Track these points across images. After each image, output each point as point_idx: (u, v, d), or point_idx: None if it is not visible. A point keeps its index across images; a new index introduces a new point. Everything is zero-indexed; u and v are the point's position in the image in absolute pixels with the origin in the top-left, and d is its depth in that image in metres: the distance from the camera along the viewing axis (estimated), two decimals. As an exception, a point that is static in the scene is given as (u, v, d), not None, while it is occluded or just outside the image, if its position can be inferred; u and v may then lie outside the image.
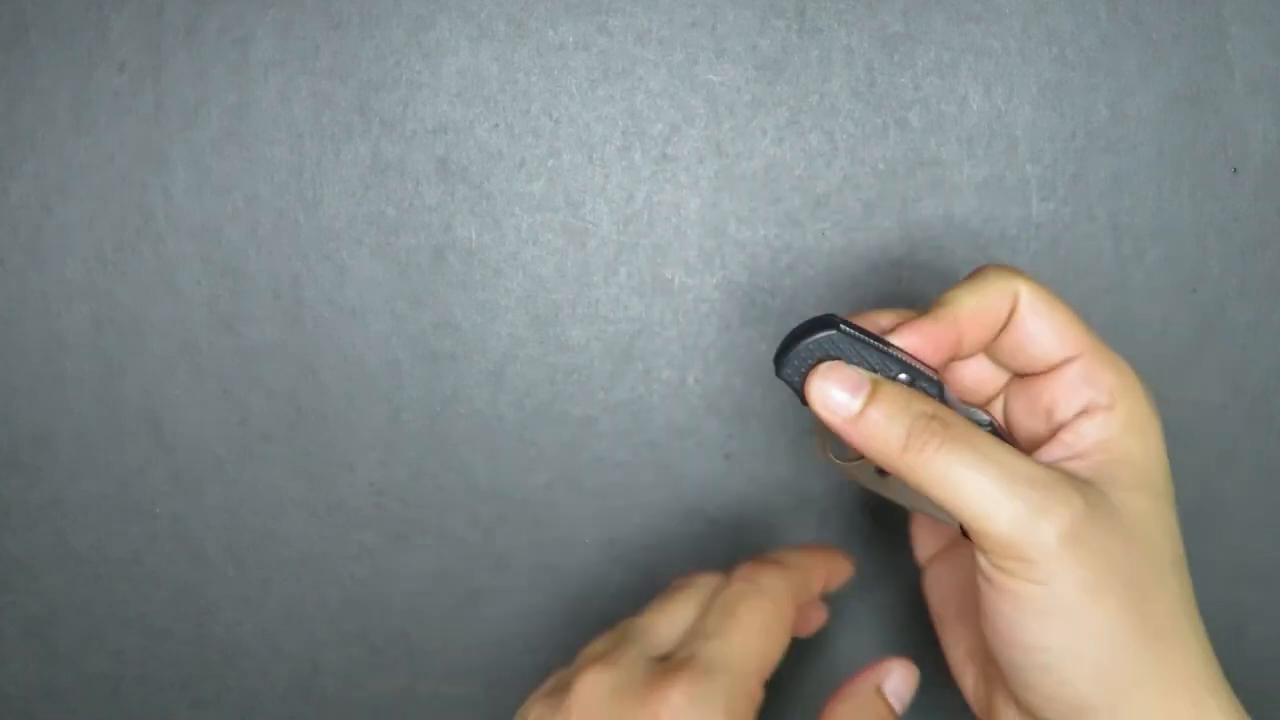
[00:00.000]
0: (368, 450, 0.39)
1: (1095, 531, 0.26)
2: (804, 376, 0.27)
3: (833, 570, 0.34)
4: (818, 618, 0.35)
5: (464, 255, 0.38)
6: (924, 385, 0.28)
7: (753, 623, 0.29)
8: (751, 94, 0.38)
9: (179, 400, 0.39)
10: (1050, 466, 0.27)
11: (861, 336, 0.27)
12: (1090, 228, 0.38)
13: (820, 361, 0.27)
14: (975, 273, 0.29)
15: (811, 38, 0.37)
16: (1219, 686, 0.27)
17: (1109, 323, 0.38)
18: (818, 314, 0.28)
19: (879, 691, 0.30)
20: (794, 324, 0.28)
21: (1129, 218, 0.38)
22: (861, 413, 0.27)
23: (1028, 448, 0.30)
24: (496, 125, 0.38)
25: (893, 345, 0.28)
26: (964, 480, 0.25)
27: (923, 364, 0.28)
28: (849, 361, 0.27)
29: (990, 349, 0.30)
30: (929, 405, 0.27)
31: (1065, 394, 0.29)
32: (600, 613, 0.39)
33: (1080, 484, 0.26)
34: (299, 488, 0.39)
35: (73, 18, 0.38)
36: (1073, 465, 0.28)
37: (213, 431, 0.39)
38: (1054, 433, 0.29)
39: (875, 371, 0.27)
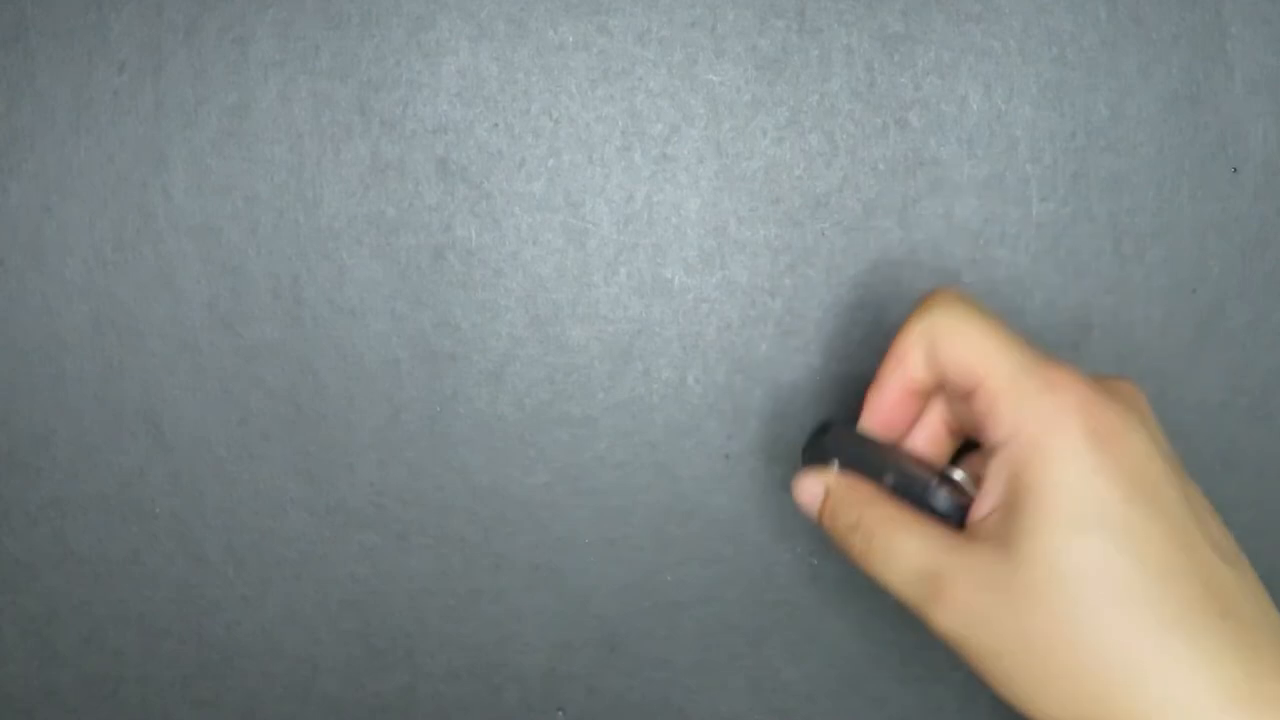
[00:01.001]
0: (368, 450, 0.39)
1: (987, 616, 0.26)
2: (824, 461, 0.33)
3: None
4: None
5: (464, 255, 0.38)
6: (907, 478, 0.31)
7: None
8: (751, 94, 0.38)
9: (179, 400, 0.39)
10: (955, 547, 0.28)
11: (856, 437, 0.32)
12: (1090, 228, 0.38)
13: (829, 455, 0.32)
14: (910, 317, 0.30)
15: (811, 38, 0.37)
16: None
17: (1109, 323, 0.38)
18: (825, 419, 0.34)
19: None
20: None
21: (1129, 218, 0.38)
22: (819, 520, 0.32)
23: None
24: (496, 125, 0.38)
25: (881, 445, 0.32)
26: (881, 577, 0.30)
27: (910, 460, 0.31)
28: (847, 458, 0.32)
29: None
30: (853, 515, 0.30)
31: (978, 422, 0.28)
32: (600, 613, 0.39)
33: (975, 569, 0.27)
34: (299, 488, 0.39)
35: (72, 18, 0.38)
36: (987, 517, 0.28)
37: (213, 431, 0.39)
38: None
39: (872, 467, 0.31)
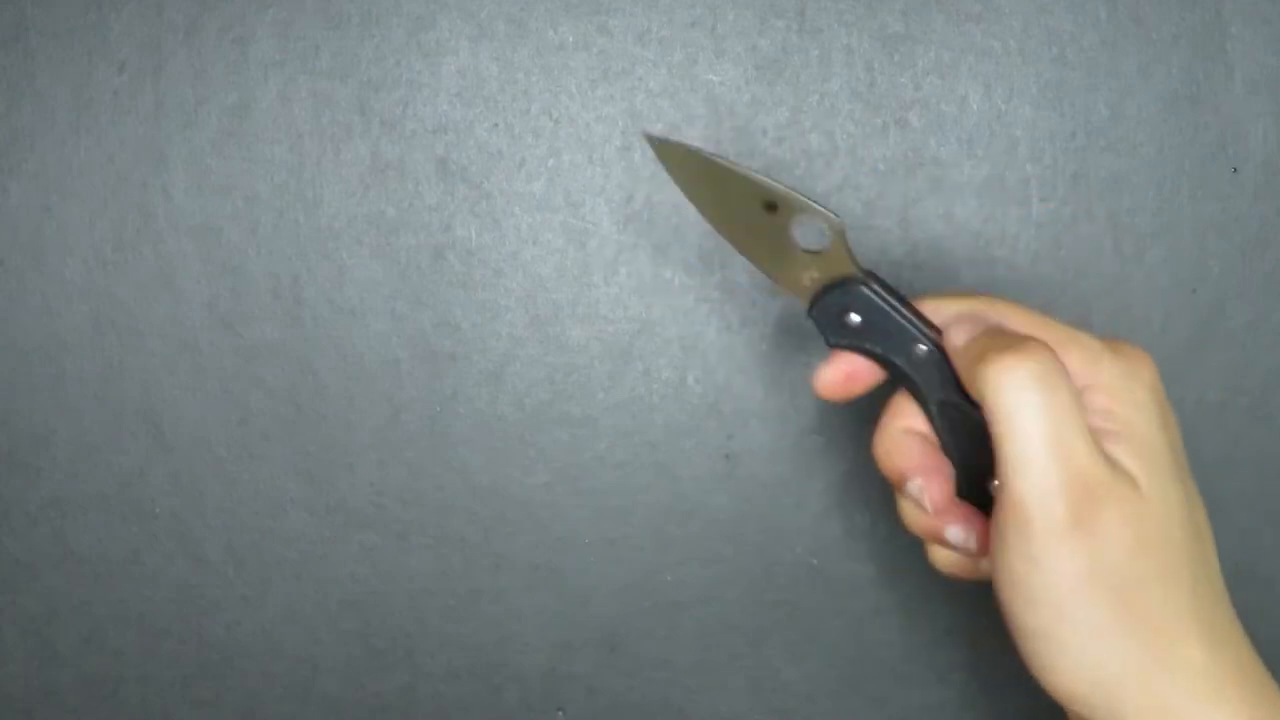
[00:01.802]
0: (368, 450, 0.39)
1: (1108, 524, 0.25)
2: (835, 323, 0.30)
3: None
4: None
5: (464, 255, 0.38)
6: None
7: None
8: (751, 94, 0.38)
9: (179, 400, 0.39)
10: (1104, 455, 0.26)
11: (884, 300, 0.29)
12: (1090, 228, 0.38)
13: (846, 312, 0.29)
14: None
15: (811, 38, 0.37)
16: (1231, 693, 0.26)
17: (1109, 323, 0.38)
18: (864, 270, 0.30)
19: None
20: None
21: (1129, 218, 0.38)
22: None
23: None
24: (496, 125, 0.38)
25: (914, 314, 0.29)
26: (1028, 420, 0.26)
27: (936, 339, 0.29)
28: (868, 316, 0.29)
29: None
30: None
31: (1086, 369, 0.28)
32: (600, 613, 0.39)
33: (1119, 476, 0.26)
34: (299, 488, 0.39)
35: (73, 18, 0.38)
36: (1114, 448, 0.27)
37: (213, 431, 0.39)
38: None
39: (892, 336, 0.29)
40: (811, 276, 0.30)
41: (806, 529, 0.39)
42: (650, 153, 0.38)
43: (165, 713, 0.40)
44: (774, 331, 0.38)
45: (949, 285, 0.38)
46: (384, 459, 0.39)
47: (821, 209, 0.29)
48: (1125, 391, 0.27)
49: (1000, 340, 0.27)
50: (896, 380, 0.30)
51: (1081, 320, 0.38)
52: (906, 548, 0.36)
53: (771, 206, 0.29)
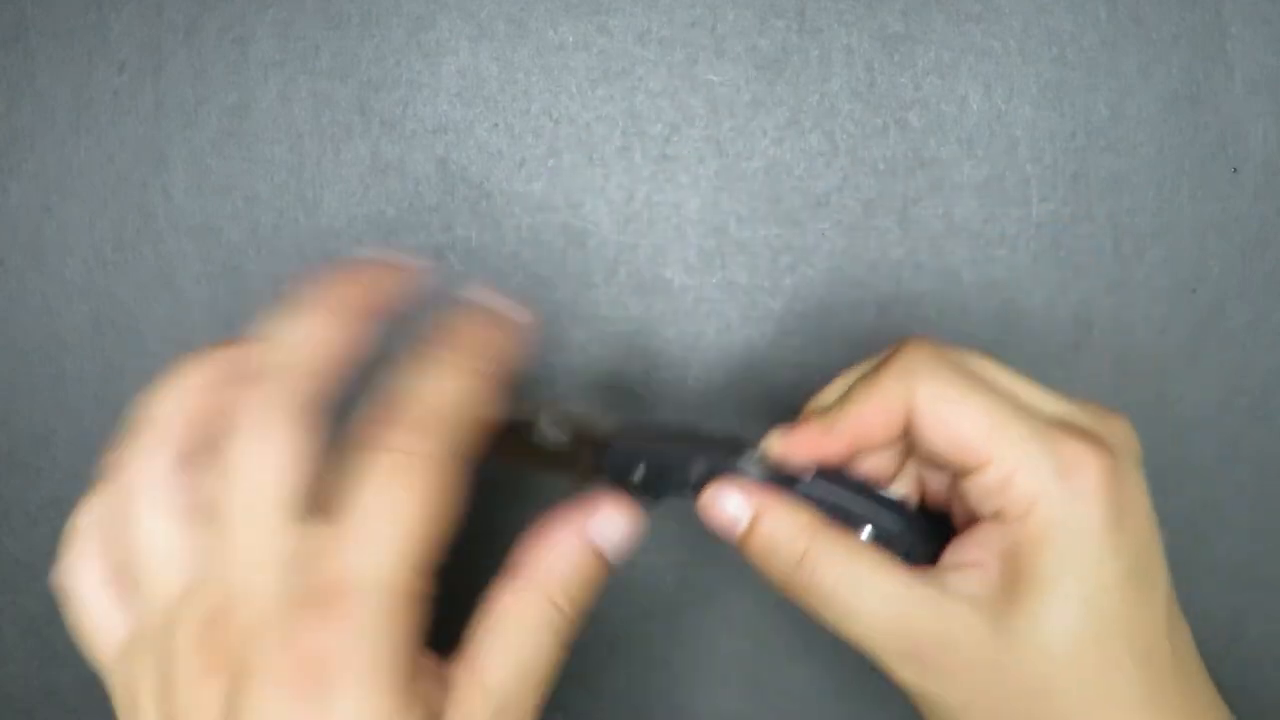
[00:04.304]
0: (368, 450, 0.39)
1: (962, 679, 0.25)
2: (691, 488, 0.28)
3: (504, 337, 0.26)
4: (608, 525, 0.27)
5: (464, 255, 0.38)
6: (849, 496, 0.27)
7: (400, 509, 0.23)
8: (751, 94, 0.38)
9: (179, 400, 0.39)
10: (932, 601, 0.25)
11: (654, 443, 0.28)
12: (1090, 228, 0.38)
13: (632, 469, 0.27)
14: (879, 366, 0.27)
15: (811, 38, 0.37)
16: None
17: (1109, 323, 0.38)
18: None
19: (587, 538, 0.26)
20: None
21: (1129, 218, 0.38)
22: (743, 544, 0.27)
23: (941, 505, 0.28)
24: (496, 125, 0.38)
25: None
26: (840, 624, 0.26)
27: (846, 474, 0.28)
28: (766, 467, 0.27)
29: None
30: (798, 546, 0.26)
31: (976, 496, 0.26)
32: (600, 613, 0.39)
33: (958, 633, 0.25)
34: (299, 488, 0.39)
35: (73, 18, 0.38)
36: (968, 578, 0.25)
37: (213, 431, 0.39)
38: (968, 522, 0.27)
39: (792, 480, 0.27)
40: (583, 459, 0.28)
41: (806, 529, 0.39)
42: (650, 153, 0.38)
43: (165, 713, 0.40)
44: (774, 331, 0.38)
45: (949, 285, 0.38)
46: (384, 459, 0.39)
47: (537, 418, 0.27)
48: (1056, 506, 0.25)
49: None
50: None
51: (1081, 320, 0.38)
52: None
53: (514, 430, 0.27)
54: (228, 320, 0.39)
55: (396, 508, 0.23)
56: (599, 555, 0.26)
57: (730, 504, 0.27)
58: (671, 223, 0.38)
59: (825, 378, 0.39)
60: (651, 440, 0.28)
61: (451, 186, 0.38)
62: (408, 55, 0.38)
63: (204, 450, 0.24)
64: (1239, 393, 0.39)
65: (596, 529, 0.26)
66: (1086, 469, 0.25)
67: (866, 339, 0.38)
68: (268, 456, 0.23)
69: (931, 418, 0.26)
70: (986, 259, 0.38)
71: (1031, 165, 0.38)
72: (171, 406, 0.25)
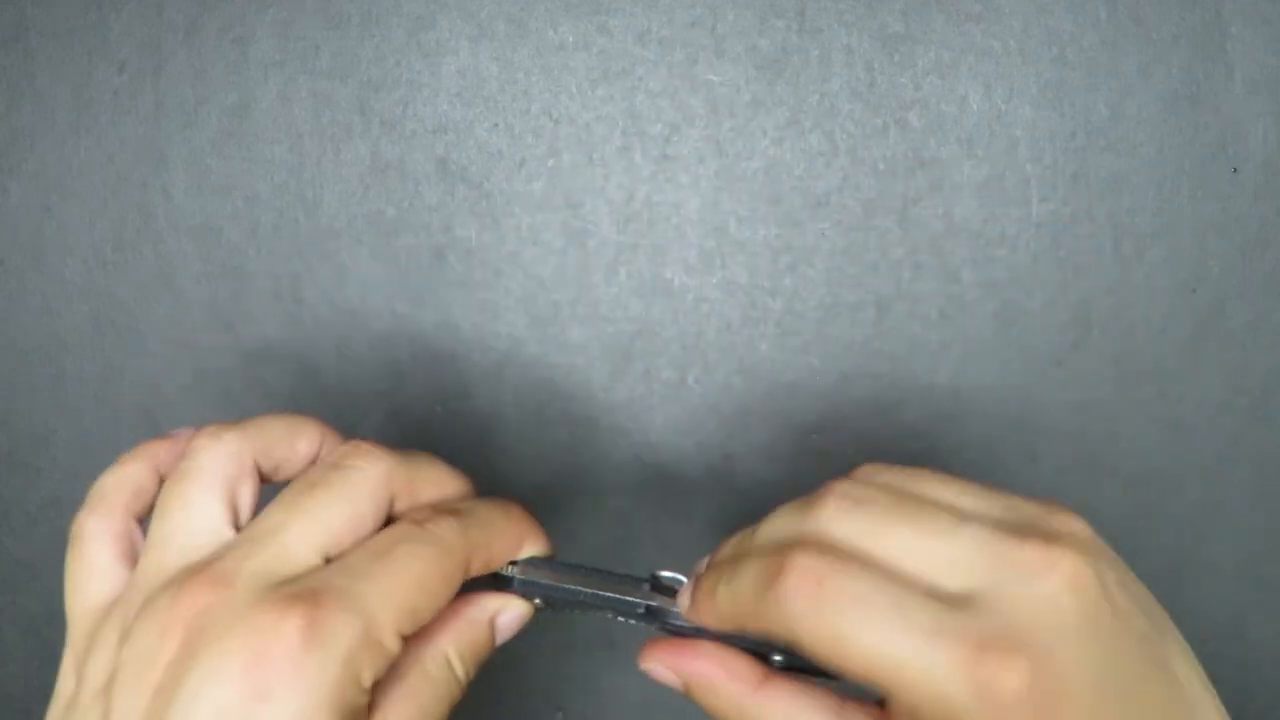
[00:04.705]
0: (368, 450, 0.39)
1: None
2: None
3: (524, 537, 0.30)
4: (512, 615, 0.30)
5: (464, 255, 0.38)
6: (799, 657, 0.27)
7: (408, 570, 0.25)
8: (751, 94, 0.38)
9: (179, 400, 0.39)
10: None
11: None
12: (1090, 228, 0.38)
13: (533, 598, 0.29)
14: (775, 565, 0.26)
15: (811, 38, 0.37)
16: None
17: (1109, 323, 0.38)
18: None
19: (489, 615, 0.29)
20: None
21: (1129, 218, 0.38)
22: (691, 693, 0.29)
23: None
24: (496, 125, 0.38)
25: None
26: None
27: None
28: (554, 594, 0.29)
29: None
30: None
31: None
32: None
33: None
34: (299, 488, 0.39)
35: (73, 18, 0.38)
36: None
37: (213, 431, 0.39)
38: None
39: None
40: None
41: (806, 529, 0.39)
42: (650, 153, 0.38)
43: (165, 713, 0.40)
44: (774, 331, 0.38)
45: (949, 285, 0.38)
46: (384, 459, 0.39)
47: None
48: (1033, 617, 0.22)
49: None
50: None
51: (1081, 320, 0.38)
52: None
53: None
54: (228, 320, 0.39)
55: (403, 564, 0.25)
56: (493, 632, 0.29)
57: (658, 672, 0.29)
58: (671, 223, 0.38)
59: (825, 378, 0.39)
60: (557, 576, 0.30)
61: (451, 186, 0.38)
62: (408, 55, 0.38)
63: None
64: (1239, 393, 0.39)
65: (496, 609, 0.29)
66: (1050, 571, 0.22)
67: (866, 339, 0.38)
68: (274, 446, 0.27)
69: (818, 652, 0.25)
70: (986, 259, 0.38)
71: (1031, 165, 0.38)
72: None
